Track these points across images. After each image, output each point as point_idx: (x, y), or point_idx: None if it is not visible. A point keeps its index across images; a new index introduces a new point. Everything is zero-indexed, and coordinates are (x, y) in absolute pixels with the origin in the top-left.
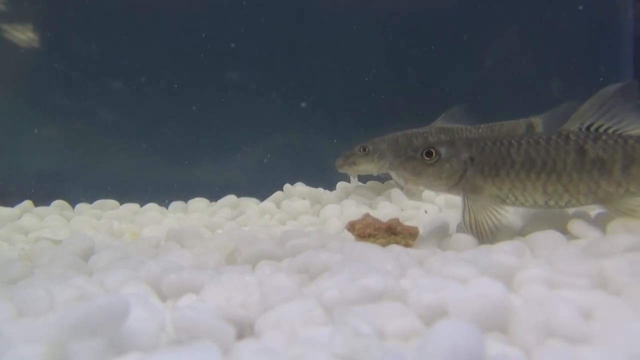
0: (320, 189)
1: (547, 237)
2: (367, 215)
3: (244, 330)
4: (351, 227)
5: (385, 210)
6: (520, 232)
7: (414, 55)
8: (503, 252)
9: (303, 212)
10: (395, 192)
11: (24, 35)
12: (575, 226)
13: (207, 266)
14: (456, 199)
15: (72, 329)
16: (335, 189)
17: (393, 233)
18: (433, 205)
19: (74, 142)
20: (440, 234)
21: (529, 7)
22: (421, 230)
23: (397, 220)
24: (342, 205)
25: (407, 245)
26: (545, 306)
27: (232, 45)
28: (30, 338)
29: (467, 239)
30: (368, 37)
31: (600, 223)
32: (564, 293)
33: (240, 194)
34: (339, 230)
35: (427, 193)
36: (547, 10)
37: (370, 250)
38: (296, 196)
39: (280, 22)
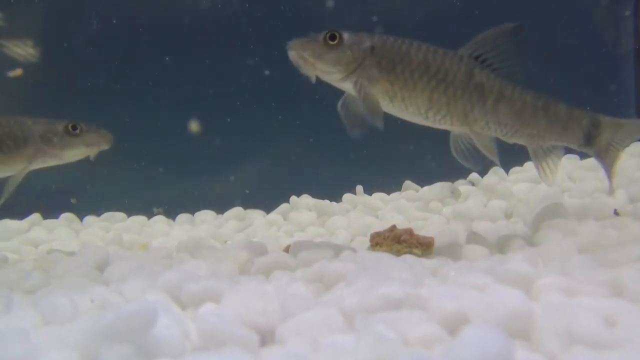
0: (327, 201)
1: (559, 247)
2: (393, 226)
3: (265, 337)
4: (371, 237)
5: (392, 221)
6: (530, 242)
7: None
8: (518, 261)
9: (310, 223)
10: (403, 203)
11: (22, 49)
12: None
13: (221, 276)
14: (464, 210)
15: (101, 336)
16: (341, 200)
17: (397, 242)
18: (440, 217)
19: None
20: (451, 244)
21: (528, 18)
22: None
23: (408, 230)
24: (349, 216)
25: (411, 254)
26: (567, 313)
27: (235, 55)
28: (60, 345)
29: (479, 249)
30: None
31: None
32: (583, 300)
33: (245, 206)
34: (347, 241)
35: (434, 204)
36: (547, 22)
37: (384, 259)
38: (302, 208)
39: (284, 31)
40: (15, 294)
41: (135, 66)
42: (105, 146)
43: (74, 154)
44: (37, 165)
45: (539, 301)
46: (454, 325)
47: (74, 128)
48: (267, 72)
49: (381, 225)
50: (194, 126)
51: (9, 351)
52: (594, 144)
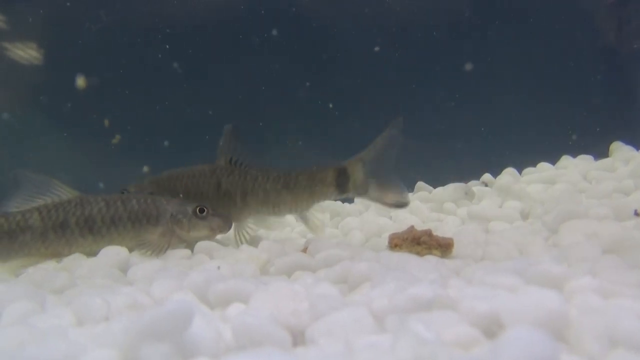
0: (339, 202)
1: (583, 249)
2: (412, 227)
3: (296, 337)
4: (390, 239)
5: (406, 222)
6: (552, 244)
7: (433, 64)
8: (548, 262)
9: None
10: (417, 204)
11: (25, 52)
12: None
13: (244, 277)
14: (480, 211)
15: (141, 334)
16: (353, 201)
17: (417, 243)
18: (455, 218)
19: (91, 157)
20: (470, 245)
21: (531, 35)
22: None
23: (427, 231)
24: (362, 217)
25: (430, 255)
26: (606, 315)
27: (241, 57)
28: (100, 343)
29: (499, 250)
30: (383, 46)
31: None
32: (621, 302)
33: None
34: (362, 242)
35: (447, 205)
36: (552, 40)
37: (409, 260)
38: (315, 209)
39: (296, 31)
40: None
41: (149, 66)
42: (225, 231)
43: (197, 236)
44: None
45: (573, 303)
46: (488, 327)
47: (202, 211)
48: (280, 75)
49: (395, 226)
50: (203, 128)
51: (53, 349)
52: (350, 189)
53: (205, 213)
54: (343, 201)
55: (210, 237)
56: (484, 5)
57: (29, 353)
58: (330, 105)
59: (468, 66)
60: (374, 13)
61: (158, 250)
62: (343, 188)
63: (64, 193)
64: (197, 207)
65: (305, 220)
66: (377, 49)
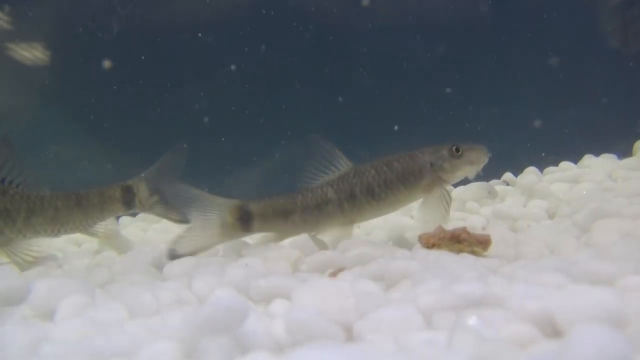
0: None
1: (622, 247)
2: (440, 227)
3: (345, 333)
4: (420, 239)
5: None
6: (585, 243)
7: (454, 64)
8: (594, 260)
9: None
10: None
11: (30, 53)
12: None
13: (278, 274)
14: (505, 210)
15: (199, 328)
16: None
17: (457, 241)
18: (479, 217)
19: (112, 156)
20: (500, 244)
21: (549, 34)
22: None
23: (463, 228)
24: (384, 216)
25: (473, 253)
26: None
27: (243, 58)
28: (157, 336)
29: (532, 249)
30: (402, 45)
31: None
32: None
33: None
34: (385, 241)
35: (470, 204)
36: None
37: (447, 258)
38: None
39: (304, 36)
40: None
41: (148, 70)
42: (484, 161)
43: (459, 175)
44: (435, 195)
45: (627, 301)
46: (543, 325)
47: (457, 150)
48: (284, 76)
49: (418, 226)
50: (212, 131)
51: (117, 340)
52: (136, 205)
53: (460, 151)
54: None
55: (470, 174)
56: (506, 5)
57: (94, 344)
58: (343, 102)
59: (488, 66)
60: (391, 9)
61: (446, 209)
62: (130, 204)
63: (344, 164)
64: (451, 146)
65: (94, 235)
66: (396, 47)
